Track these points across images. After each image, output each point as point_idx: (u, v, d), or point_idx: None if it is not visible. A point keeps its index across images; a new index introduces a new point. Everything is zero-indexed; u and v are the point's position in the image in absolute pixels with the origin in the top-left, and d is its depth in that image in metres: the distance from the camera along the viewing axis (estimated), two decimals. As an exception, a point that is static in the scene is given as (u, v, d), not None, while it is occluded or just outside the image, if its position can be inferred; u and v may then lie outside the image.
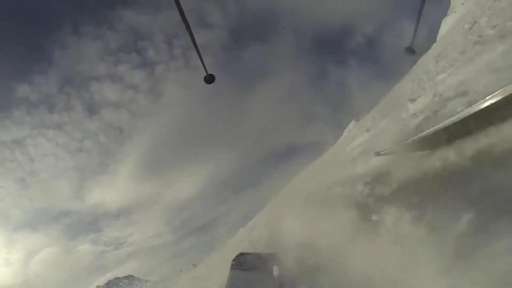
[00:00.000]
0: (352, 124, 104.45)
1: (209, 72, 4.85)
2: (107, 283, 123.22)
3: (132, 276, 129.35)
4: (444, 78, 7.59)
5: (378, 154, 5.15)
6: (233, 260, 4.43)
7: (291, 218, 8.17)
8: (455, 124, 3.27)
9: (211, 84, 5.06)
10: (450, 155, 3.83)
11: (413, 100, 7.85)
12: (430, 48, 18.29)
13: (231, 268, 4.27)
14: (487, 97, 2.72)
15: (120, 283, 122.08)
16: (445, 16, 64.65)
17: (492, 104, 2.75)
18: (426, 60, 14.22)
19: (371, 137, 9.80)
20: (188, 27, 3.64)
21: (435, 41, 24.23)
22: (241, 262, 4.40)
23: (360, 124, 17.19)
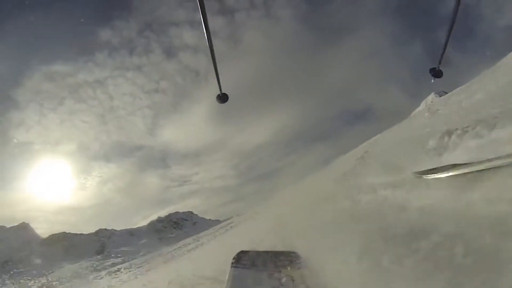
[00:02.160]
0: (431, 97, 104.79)
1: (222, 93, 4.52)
2: (168, 215, 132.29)
3: (191, 212, 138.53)
4: None
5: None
6: (233, 258, 4.13)
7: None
8: None
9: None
10: None
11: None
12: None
13: (231, 266, 3.90)
14: None
15: (179, 217, 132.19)
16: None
17: None
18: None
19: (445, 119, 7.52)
20: (209, 39, 3.26)
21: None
22: (242, 260, 4.12)
23: (440, 100, 14.57)
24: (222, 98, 4.77)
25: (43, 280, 32.31)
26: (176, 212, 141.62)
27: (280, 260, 4.23)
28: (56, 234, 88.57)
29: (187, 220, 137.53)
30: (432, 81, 4.77)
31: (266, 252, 4.57)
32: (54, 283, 27.63)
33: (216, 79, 4.29)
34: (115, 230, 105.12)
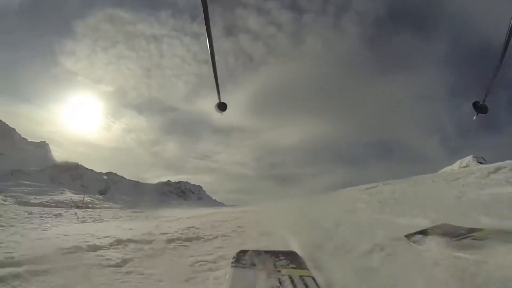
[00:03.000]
0: (468, 160, 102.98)
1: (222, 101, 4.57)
2: (177, 182, 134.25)
3: (200, 187, 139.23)
4: None
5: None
6: (233, 258, 3.97)
7: None
8: None
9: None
10: None
11: None
12: None
13: (231, 266, 3.75)
14: None
15: (187, 187, 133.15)
16: None
17: None
18: None
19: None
20: (211, 45, 3.22)
21: None
22: (241, 260, 3.90)
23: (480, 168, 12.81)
24: (221, 107, 4.78)
25: (44, 199, 32.42)
26: (186, 182, 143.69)
27: (279, 259, 4.22)
28: (70, 162, 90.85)
29: (194, 193, 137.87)
30: (474, 117, 4.35)
31: (266, 252, 4.47)
32: (52, 204, 27.47)
33: (216, 88, 4.27)
34: (123, 177, 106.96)
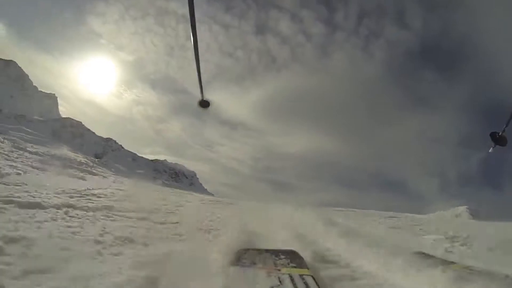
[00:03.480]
0: (461, 210, 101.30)
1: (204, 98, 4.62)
2: (174, 164, 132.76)
3: (195, 173, 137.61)
4: None
5: None
6: (233, 257, 4.28)
7: None
8: None
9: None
10: None
11: None
12: None
13: (231, 265, 4.04)
14: None
15: (182, 171, 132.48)
16: None
17: None
18: None
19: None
20: (195, 42, 3.13)
21: None
22: (241, 258, 4.23)
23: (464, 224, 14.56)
24: (204, 104, 4.92)
25: (40, 149, 32.46)
26: (182, 166, 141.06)
27: (279, 258, 4.30)
28: (73, 119, 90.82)
29: (187, 178, 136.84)
30: (491, 149, 4.02)
31: (266, 251, 4.58)
32: (47, 157, 27.51)
33: (199, 85, 4.31)
34: (122, 147, 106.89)
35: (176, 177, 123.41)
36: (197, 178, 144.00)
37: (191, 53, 3.45)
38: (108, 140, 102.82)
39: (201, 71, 4.04)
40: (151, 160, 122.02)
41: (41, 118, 75.36)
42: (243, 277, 3.70)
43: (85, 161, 43.21)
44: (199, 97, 4.58)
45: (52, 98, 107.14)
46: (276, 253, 4.47)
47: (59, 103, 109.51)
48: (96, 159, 58.75)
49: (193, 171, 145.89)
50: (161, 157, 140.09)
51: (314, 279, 3.72)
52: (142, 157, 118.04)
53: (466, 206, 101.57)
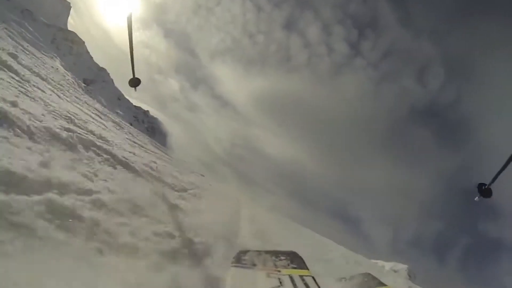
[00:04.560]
0: (402, 267, 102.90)
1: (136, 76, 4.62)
2: (155, 118, 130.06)
3: (171, 135, 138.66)
4: None
5: None
6: (233, 258, 4.19)
7: None
8: None
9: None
10: None
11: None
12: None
13: (231, 266, 3.94)
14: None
15: (160, 129, 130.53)
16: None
17: None
18: None
19: None
20: (129, 17, 3.53)
21: None
22: (241, 259, 4.13)
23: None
24: (134, 82, 5.00)
25: (36, 53, 32.00)
26: (161, 124, 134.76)
27: (280, 259, 4.31)
28: (77, 36, 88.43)
29: (161, 135, 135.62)
30: (476, 198, 4.23)
31: (266, 252, 4.56)
32: (38, 61, 27.26)
33: (131, 62, 4.34)
34: (113, 81, 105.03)
35: (152, 132, 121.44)
36: (173, 142, 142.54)
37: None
38: (102, 70, 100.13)
39: (133, 51, 4.15)
40: (135, 106, 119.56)
41: (46, 22, 73.19)
42: (243, 278, 3.64)
43: (72, 81, 42.71)
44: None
45: (65, 6, 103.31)
46: (276, 254, 4.46)
47: (70, 13, 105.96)
48: (83, 84, 57.80)
49: (170, 133, 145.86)
50: (144, 107, 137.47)
51: (314, 280, 3.75)
52: (127, 99, 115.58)
53: (407, 266, 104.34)
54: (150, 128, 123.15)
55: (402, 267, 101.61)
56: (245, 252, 4.42)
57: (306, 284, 3.59)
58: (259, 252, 4.41)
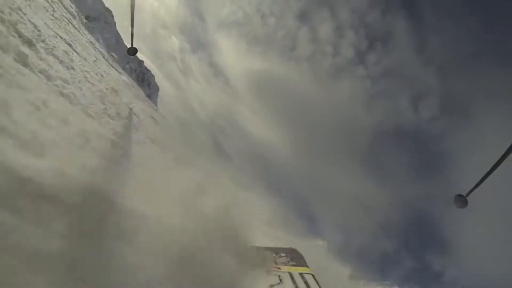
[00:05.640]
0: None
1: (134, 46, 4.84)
2: (148, 70, 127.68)
3: (159, 90, 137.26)
4: None
5: None
6: (234, 255, 3.94)
7: None
8: None
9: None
10: None
11: None
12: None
13: (232, 263, 3.76)
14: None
15: (151, 81, 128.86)
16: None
17: None
18: None
19: None
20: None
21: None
22: (241, 256, 3.95)
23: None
24: (131, 51, 5.36)
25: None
26: (153, 77, 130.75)
27: (280, 256, 4.29)
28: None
29: (150, 90, 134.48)
30: (453, 203, 4.54)
31: (267, 248, 4.50)
32: None
33: (131, 32, 4.80)
34: (115, 24, 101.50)
35: (142, 83, 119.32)
36: (157, 95, 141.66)
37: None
38: (108, 10, 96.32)
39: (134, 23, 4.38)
40: (130, 46, 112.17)
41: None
42: (243, 275, 3.56)
43: (75, 14, 43.21)
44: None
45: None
46: (276, 251, 4.40)
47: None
48: (85, 20, 58.06)
49: (159, 88, 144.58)
50: (140, 56, 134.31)
51: (314, 277, 3.72)
52: (125, 44, 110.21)
53: (397, 286, 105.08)
54: (141, 78, 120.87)
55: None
56: (246, 249, 4.23)
57: (305, 282, 3.56)
58: (259, 249, 4.31)
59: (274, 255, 4.29)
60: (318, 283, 3.59)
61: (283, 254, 4.30)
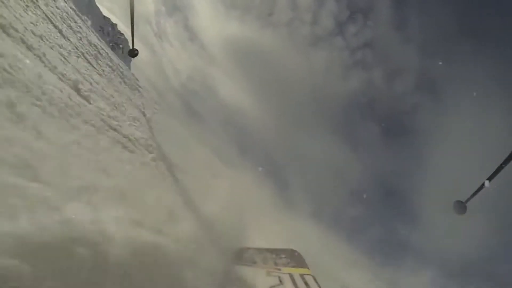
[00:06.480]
0: None
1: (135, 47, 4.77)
2: (122, 34, 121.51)
3: (132, 62, 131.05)
4: None
5: None
6: (234, 255, 4.03)
7: None
8: None
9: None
10: None
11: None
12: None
13: (232, 263, 3.80)
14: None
15: (125, 46, 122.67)
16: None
17: None
18: None
19: None
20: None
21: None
22: (242, 257, 4.03)
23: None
24: (131, 52, 5.43)
25: None
26: (127, 43, 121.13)
27: (280, 257, 4.25)
28: None
29: (123, 55, 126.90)
30: (452, 209, 4.45)
31: (267, 250, 4.49)
32: None
33: (131, 35, 4.88)
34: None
35: (115, 47, 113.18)
36: (131, 60, 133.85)
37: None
38: None
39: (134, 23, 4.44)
40: (104, 16, 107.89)
41: None
42: (243, 276, 3.56)
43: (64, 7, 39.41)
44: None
45: None
46: (276, 252, 4.41)
47: None
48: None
49: (133, 57, 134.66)
50: (113, 19, 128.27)
51: (314, 278, 3.71)
52: (98, 7, 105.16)
53: None
54: (114, 43, 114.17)
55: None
56: (246, 250, 4.26)
57: (306, 283, 3.57)
58: (259, 250, 4.32)
59: (274, 256, 4.26)
60: (318, 284, 3.59)
61: (283, 255, 4.28)
